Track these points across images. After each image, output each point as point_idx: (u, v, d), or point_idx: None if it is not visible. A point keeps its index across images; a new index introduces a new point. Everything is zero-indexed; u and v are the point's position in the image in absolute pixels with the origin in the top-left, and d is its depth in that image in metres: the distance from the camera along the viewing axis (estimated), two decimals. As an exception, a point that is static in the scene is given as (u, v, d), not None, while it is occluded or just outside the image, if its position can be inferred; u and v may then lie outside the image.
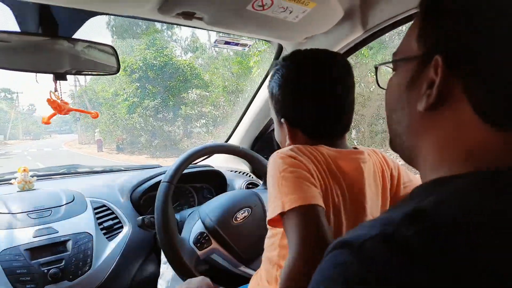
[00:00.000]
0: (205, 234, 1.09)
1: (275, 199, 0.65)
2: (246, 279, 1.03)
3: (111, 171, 1.83)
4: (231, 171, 1.75)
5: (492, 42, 0.39)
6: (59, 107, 0.99)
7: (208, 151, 1.32)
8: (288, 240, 0.62)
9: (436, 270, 0.32)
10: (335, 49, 1.22)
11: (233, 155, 1.43)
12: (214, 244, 1.09)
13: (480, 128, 0.41)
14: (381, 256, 0.33)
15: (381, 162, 0.87)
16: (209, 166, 1.70)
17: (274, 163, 0.72)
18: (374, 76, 0.60)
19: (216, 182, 1.65)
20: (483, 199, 0.37)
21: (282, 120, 0.84)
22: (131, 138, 17.14)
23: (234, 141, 1.81)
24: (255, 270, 1.01)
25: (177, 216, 1.23)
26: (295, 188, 0.65)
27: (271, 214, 0.65)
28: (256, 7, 0.93)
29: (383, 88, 0.56)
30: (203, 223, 1.11)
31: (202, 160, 1.88)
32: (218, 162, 1.85)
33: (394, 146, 0.54)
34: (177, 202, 1.58)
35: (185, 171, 1.53)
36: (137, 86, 15.25)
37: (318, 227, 0.61)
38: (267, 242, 0.83)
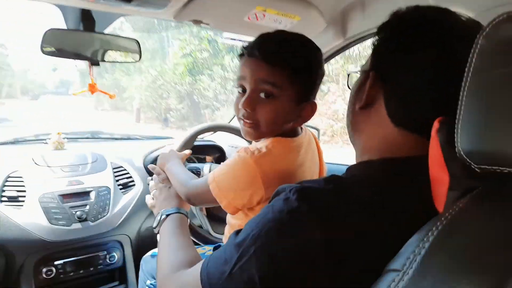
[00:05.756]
0: (199, 170, 1.30)
1: (218, 169, 0.84)
2: None
3: (129, 138, 2.11)
4: (231, 146, 2.01)
5: (400, 72, 0.56)
6: (93, 89, 1.28)
7: (214, 128, 1.56)
8: (199, 180, 0.91)
9: (322, 211, 0.48)
10: (320, 52, 1.45)
11: (234, 134, 1.67)
12: None
13: (389, 126, 0.57)
14: (295, 201, 0.49)
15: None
16: (212, 141, 1.96)
17: (238, 160, 0.81)
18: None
19: (217, 155, 1.93)
20: (380, 177, 0.55)
21: None
22: (189, 109, 12.31)
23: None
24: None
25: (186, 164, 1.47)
26: (225, 188, 0.81)
27: (212, 173, 0.85)
28: (252, 18, 1.16)
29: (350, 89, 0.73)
30: (203, 166, 1.34)
31: (208, 135, 2.13)
32: (220, 138, 2.11)
33: (348, 133, 0.73)
34: None
35: (191, 143, 1.80)
36: (210, 36, 10.94)
37: (200, 198, 0.90)
38: None
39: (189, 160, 1.90)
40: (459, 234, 0.41)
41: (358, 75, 0.67)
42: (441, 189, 0.47)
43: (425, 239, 0.41)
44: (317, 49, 0.86)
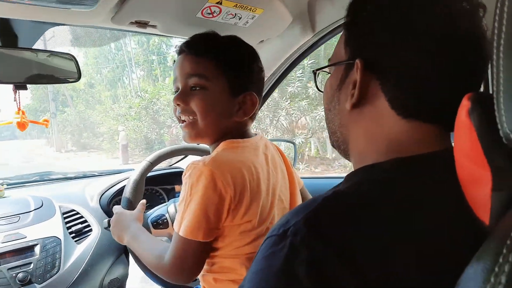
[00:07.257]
0: (164, 217, 1.10)
1: (179, 212, 0.76)
2: None
3: (84, 177, 1.85)
4: None
5: (399, 50, 0.45)
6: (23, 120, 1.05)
7: (190, 150, 1.37)
8: (170, 245, 0.79)
9: (339, 244, 0.37)
10: (289, 52, 1.29)
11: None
12: (170, 230, 1.09)
13: (395, 120, 0.47)
14: (302, 240, 0.38)
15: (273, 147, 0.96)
16: (179, 167, 1.74)
17: (189, 179, 0.74)
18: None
19: (186, 183, 1.70)
20: (391, 181, 0.44)
21: None
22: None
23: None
24: None
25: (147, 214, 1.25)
26: (194, 215, 0.73)
27: (175, 220, 0.78)
28: (206, 14, 0.99)
29: (321, 91, 0.61)
30: (167, 208, 1.13)
31: (176, 162, 1.91)
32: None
33: (332, 143, 0.60)
34: (148, 204, 1.61)
35: (156, 173, 1.57)
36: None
37: (185, 257, 0.77)
38: None
39: (153, 193, 1.66)
40: None
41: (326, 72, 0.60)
42: (480, 190, 0.36)
43: (496, 269, 0.28)
44: (249, 45, 0.89)
